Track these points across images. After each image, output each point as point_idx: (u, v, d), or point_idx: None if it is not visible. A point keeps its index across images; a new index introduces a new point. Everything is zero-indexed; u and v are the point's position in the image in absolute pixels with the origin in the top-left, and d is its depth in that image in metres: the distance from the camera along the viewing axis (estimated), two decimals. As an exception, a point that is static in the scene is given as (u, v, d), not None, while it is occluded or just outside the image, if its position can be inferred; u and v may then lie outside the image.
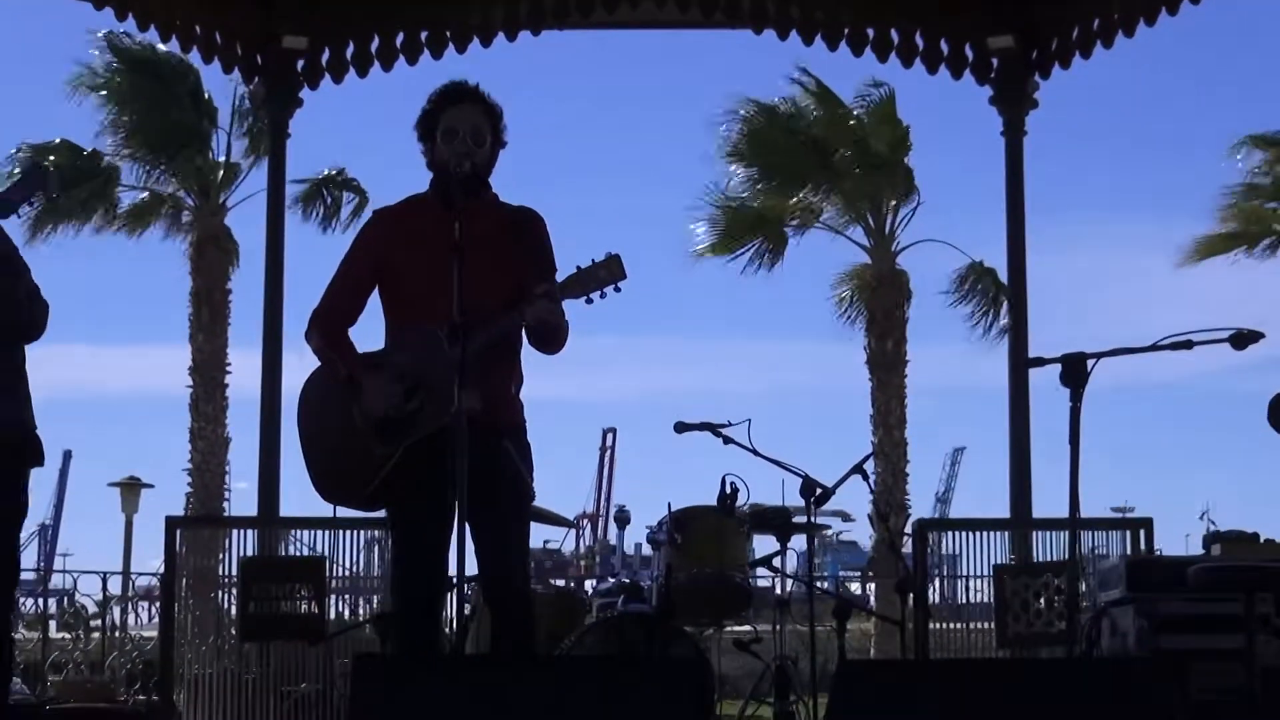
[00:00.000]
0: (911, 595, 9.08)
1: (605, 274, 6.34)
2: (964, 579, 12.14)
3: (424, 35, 12.65)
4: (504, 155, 6.79)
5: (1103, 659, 8.08)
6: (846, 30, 12.67)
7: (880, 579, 21.17)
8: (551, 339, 6.61)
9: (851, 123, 24.35)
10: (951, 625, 11.78)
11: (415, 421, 6.45)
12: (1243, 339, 6.38)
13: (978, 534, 11.50)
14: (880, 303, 24.35)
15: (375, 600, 10.92)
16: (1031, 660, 7.39)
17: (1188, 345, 6.34)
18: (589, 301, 6.36)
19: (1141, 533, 10.94)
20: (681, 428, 9.01)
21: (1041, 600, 10.54)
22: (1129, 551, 10.82)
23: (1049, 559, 11.12)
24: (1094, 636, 8.74)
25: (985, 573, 11.23)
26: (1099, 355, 6.27)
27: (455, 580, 6.77)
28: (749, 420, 8.93)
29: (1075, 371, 6.23)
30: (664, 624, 8.47)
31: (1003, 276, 24.38)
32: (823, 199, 24.72)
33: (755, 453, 8.91)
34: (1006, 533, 11.63)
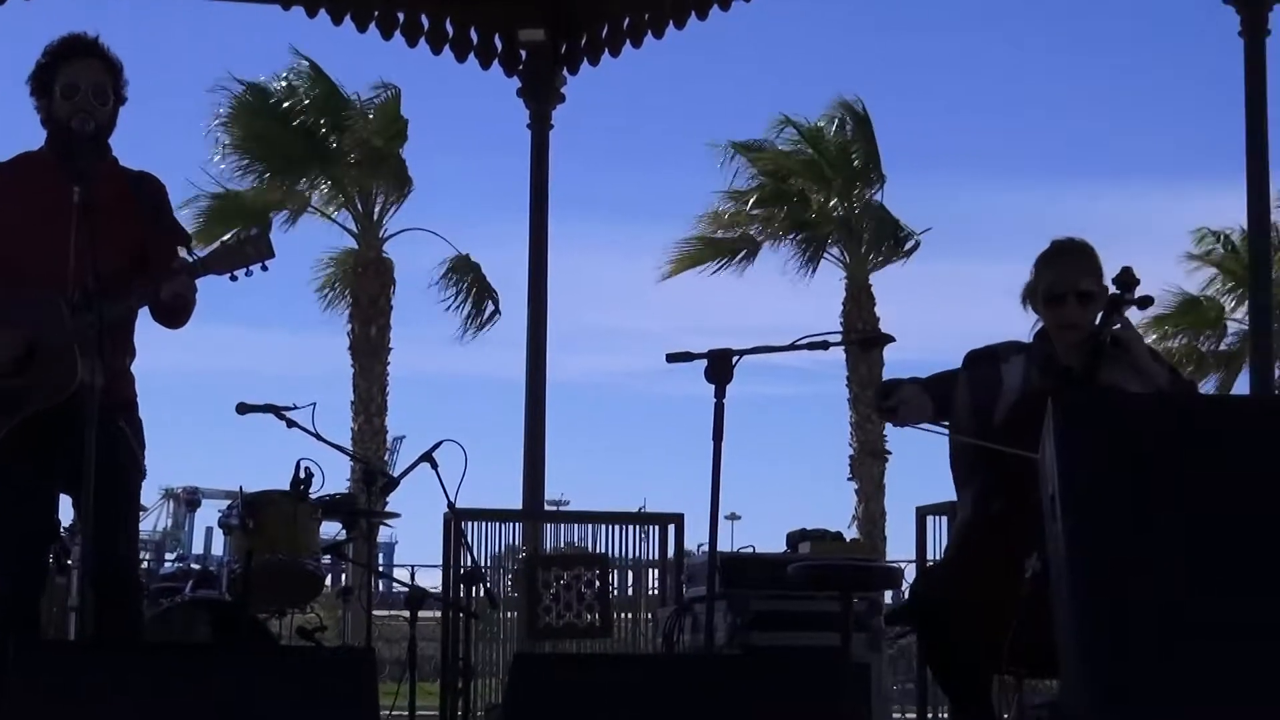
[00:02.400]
0: (478, 586, 8.94)
1: (252, 251, 6.05)
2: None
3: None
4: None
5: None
6: (377, 13, 12.49)
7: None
8: (180, 314, 6.26)
9: (346, 111, 24.13)
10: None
11: (29, 394, 6.01)
12: (870, 342, 6.53)
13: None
14: (365, 289, 24.19)
15: None
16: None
17: (824, 346, 6.42)
18: (234, 278, 6.06)
19: (672, 528, 11.15)
20: (244, 409, 8.72)
21: (573, 593, 10.57)
22: (661, 545, 11.04)
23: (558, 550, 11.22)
24: (675, 632, 8.81)
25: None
26: (742, 352, 6.28)
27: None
28: (314, 404, 8.72)
29: (720, 368, 6.23)
30: (240, 611, 8.17)
31: (501, 268, 25.05)
32: (312, 186, 24.44)
33: (319, 437, 8.69)
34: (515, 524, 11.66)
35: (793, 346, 6.43)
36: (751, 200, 26.44)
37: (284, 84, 24.34)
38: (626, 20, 12.51)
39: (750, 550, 9.58)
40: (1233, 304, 28.10)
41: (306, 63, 24.21)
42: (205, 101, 24.65)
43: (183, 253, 6.19)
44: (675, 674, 5.35)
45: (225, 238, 6.05)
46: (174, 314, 6.25)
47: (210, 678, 5.05)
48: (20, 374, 6.01)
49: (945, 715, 10.35)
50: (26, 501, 6.14)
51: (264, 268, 6.07)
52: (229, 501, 8.76)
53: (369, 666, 5.13)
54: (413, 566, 13.68)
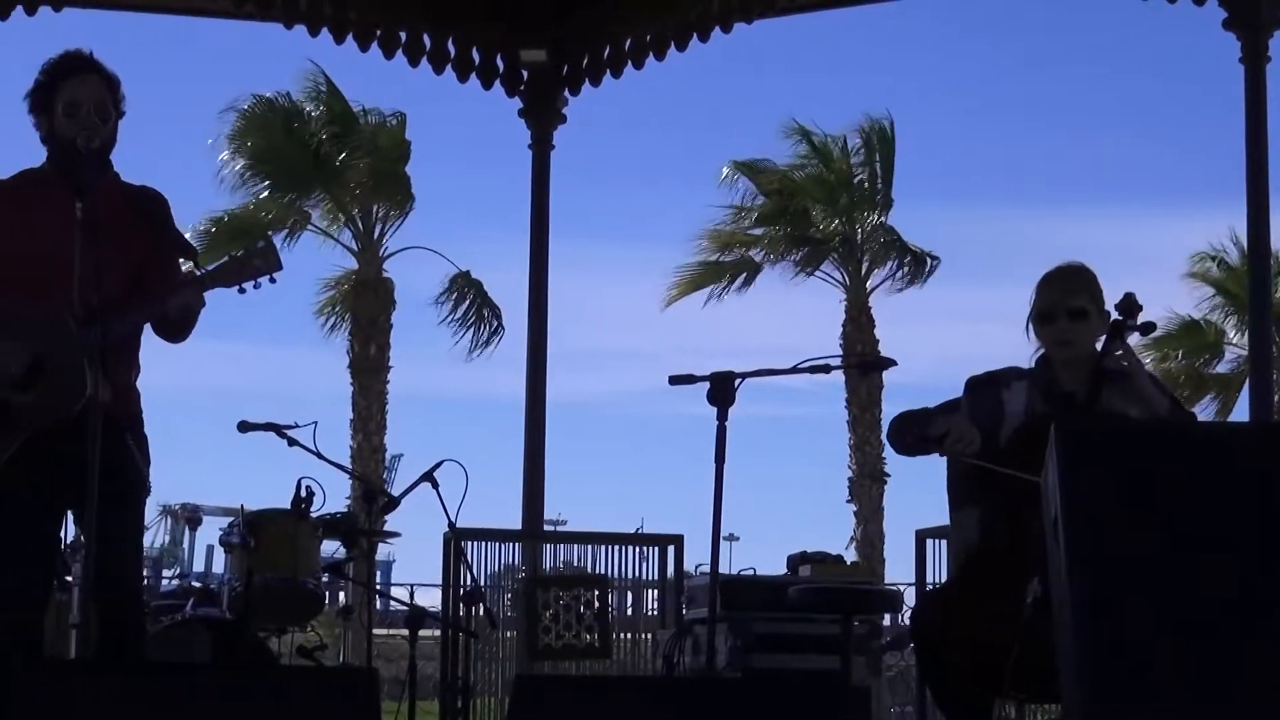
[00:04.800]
0: (478, 606, 8.96)
1: (261, 263, 6.08)
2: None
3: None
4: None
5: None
6: (379, 32, 12.49)
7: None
8: (184, 328, 6.29)
9: (355, 131, 24.19)
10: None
11: (36, 409, 6.02)
12: (872, 365, 6.55)
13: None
14: (365, 308, 24.24)
15: None
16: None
17: (826, 369, 6.45)
18: (241, 291, 6.09)
19: (671, 549, 11.18)
20: (245, 427, 8.73)
21: (572, 614, 10.59)
22: (660, 566, 11.09)
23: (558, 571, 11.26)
24: (675, 654, 8.84)
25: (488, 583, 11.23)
26: (745, 375, 6.30)
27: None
28: (315, 423, 8.73)
29: (722, 390, 6.25)
30: (241, 630, 8.19)
31: (500, 288, 25.17)
32: (315, 204, 24.53)
33: (320, 456, 8.71)
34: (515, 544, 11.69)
35: (795, 370, 6.45)
36: (753, 217, 26.55)
37: (300, 99, 24.53)
38: (628, 41, 12.52)
39: (751, 572, 9.60)
40: (1233, 327, 28.15)
41: (324, 78, 24.37)
42: (219, 117, 24.83)
43: (188, 266, 6.22)
44: (676, 697, 5.37)
45: (233, 251, 6.06)
46: (178, 328, 6.28)
47: (213, 697, 5.07)
48: (27, 389, 6.03)
49: (945, 738, 10.38)
50: (32, 519, 6.15)
51: (272, 280, 6.10)
52: (230, 519, 8.78)
53: (371, 686, 5.15)
54: (412, 585, 13.61)
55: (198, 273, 6.17)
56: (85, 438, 5.77)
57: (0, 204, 6.32)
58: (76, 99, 6.26)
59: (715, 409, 6.27)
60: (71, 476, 5.87)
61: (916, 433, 6.27)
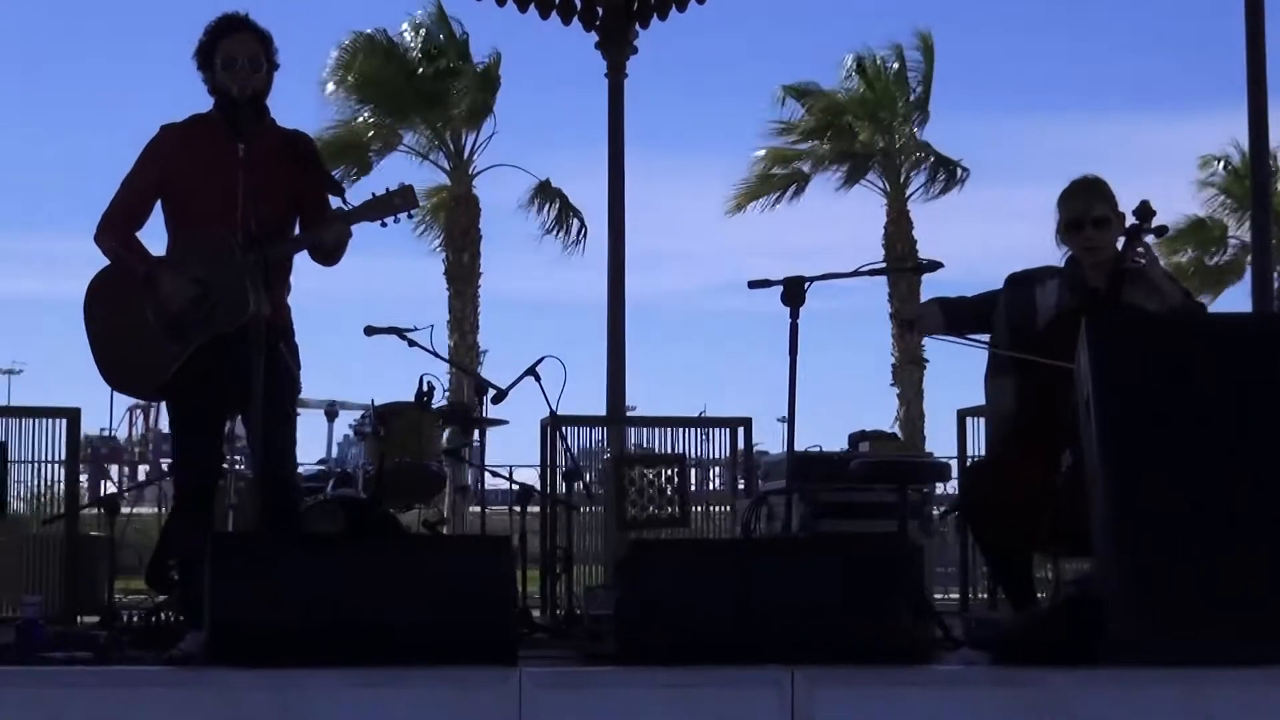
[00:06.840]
0: (579, 483, 9.31)
1: (400, 202, 6.40)
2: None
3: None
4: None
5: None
6: (471, -27, 12.74)
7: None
8: (336, 255, 6.63)
9: (462, 67, 24.60)
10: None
11: (207, 322, 6.39)
12: (922, 268, 6.83)
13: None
14: (457, 222, 24.62)
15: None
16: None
17: (883, 271, 6.76)
18: (383, 225, 6.43)
19: (741, 430, 11.55)
20: (371, 331, 9.03)
21: (655, 488, 10.91)
22: (731, 446, 11.47)
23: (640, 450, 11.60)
24: (752, 521, 9.15)
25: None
26: (813, 279, 6.52)
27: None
28: (432, 326, 9.03)
29: (794, 292, 6.50)
30: (374, 507, 8.57)
31: (581, 198, 25.68)
32: (416, 130, 24.97)
33: (436, 355, 9.01)
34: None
35: (856, 273, 6.71)
36: (801, 134, 26.90)
37: (410, 31, 25.21)
38: (690, -21, 12.78)
39: (818, 449, 9.90)
40: (1235, 223, 28.36)
41: (437, 10, 24.97)
42: (324, 49, 25.43)
43: (336, 201, 6.56)
44: (763, 555, 5.60)
45: (377, 191, 6.40)
46: (331, 255, 6.61)
47: (379, 563, 5.31)
48: (199, 305, 6.39)
49: (984, 595, 10.77)
50: (205, 413, 6.53)
51: (410, 215, 6.46)
52: (361, 412, 9.13)
53: (507, 551, 5.47)
54: (510, 466, 13.91)
55: (346, 208, 6.50)
56: (248, 346, 6.15)
57: (175, 145, 6.64)
58: (233, 54, 6.55)
59: (788, 308, 6.52)
60: (235, 378, 6.23)
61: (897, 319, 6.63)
